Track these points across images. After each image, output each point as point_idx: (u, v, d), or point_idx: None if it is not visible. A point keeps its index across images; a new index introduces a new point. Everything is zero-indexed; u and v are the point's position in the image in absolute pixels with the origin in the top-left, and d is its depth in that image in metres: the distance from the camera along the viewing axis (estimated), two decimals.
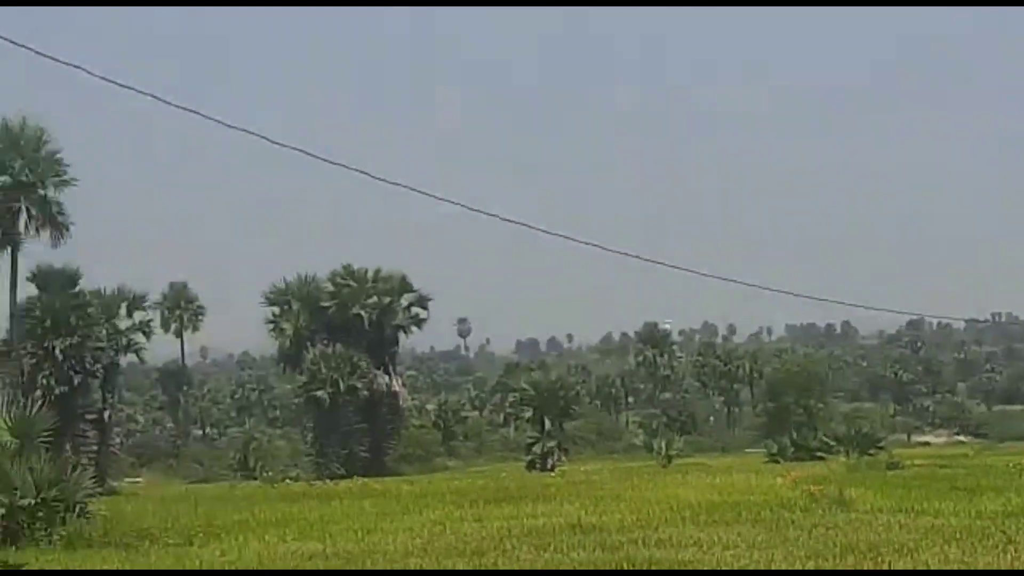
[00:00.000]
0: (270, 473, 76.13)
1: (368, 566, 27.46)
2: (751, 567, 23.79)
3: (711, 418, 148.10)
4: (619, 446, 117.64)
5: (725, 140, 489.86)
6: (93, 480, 42.18)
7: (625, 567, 25.96)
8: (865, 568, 21.47)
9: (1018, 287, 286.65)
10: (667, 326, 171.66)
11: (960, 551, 23.53)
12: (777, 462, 68.40)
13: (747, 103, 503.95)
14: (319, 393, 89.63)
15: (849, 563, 22.81)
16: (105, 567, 28.52)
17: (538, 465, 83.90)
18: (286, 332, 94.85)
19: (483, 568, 26.61)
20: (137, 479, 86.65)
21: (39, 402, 48.92)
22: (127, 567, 28.89)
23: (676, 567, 24.71)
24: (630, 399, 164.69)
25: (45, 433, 40.37)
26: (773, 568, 23.53)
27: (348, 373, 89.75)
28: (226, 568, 28.01)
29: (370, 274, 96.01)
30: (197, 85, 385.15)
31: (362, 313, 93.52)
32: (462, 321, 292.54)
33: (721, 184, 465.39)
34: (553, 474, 73.59)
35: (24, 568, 17.51)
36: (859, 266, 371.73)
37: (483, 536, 33.70)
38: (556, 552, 29.39)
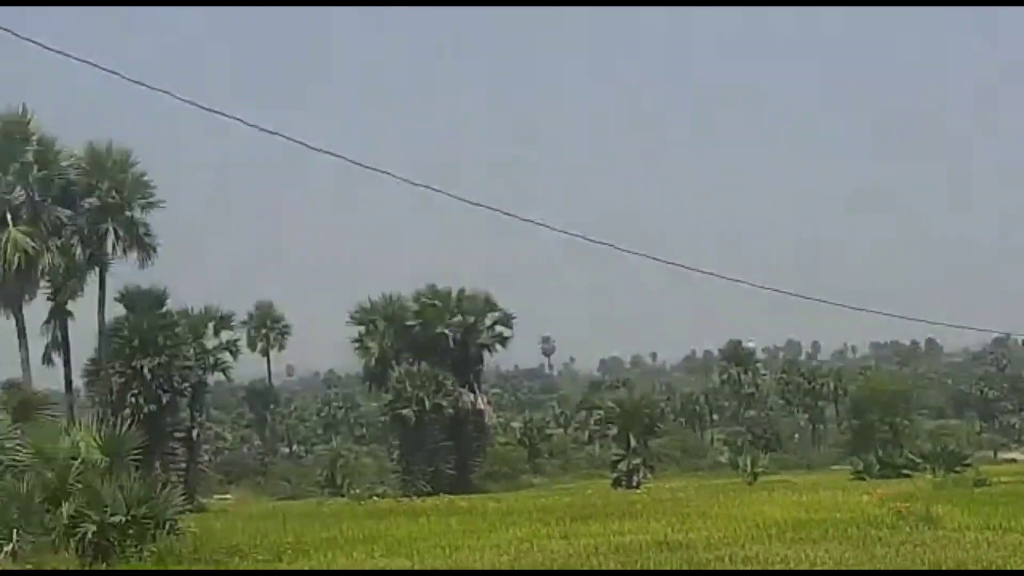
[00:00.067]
0: (357, 490, 76.41)
1: None
2: None
3: (795, 436, 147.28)
4: (704, 463, 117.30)
5: (800, 153, 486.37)
6: (182, 497, 42.61)
7: None
8: None
9: None
10: (751, 344, 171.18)
11: None
12: (863, 479, 68.03)
13: (823, 122, 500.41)
14: (405, 411, 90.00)
15: None
16: None
17: (624, 482, 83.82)
18: (371, 351, 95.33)
19: None
20: (226, 496, 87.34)
21: (128, 420, 49.48)
22: None
23: None
24: (714, 417, 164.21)
25: (134, 451, 40.83)
26: None
27: (433, 391, 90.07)
28: None
29: (454, 293, 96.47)
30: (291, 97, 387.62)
31: (447, 332, 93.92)
32: (546, 340, 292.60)
33: (800, 199, 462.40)
34: (639, 491, 73.51)
35: None
36: (944, 283, 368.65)
37: (570, 553, 33.79)
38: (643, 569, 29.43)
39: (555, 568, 30.04)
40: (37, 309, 69.24)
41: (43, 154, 67.00)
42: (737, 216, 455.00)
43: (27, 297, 67.65)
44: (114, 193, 68.60)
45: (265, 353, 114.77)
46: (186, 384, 75.40)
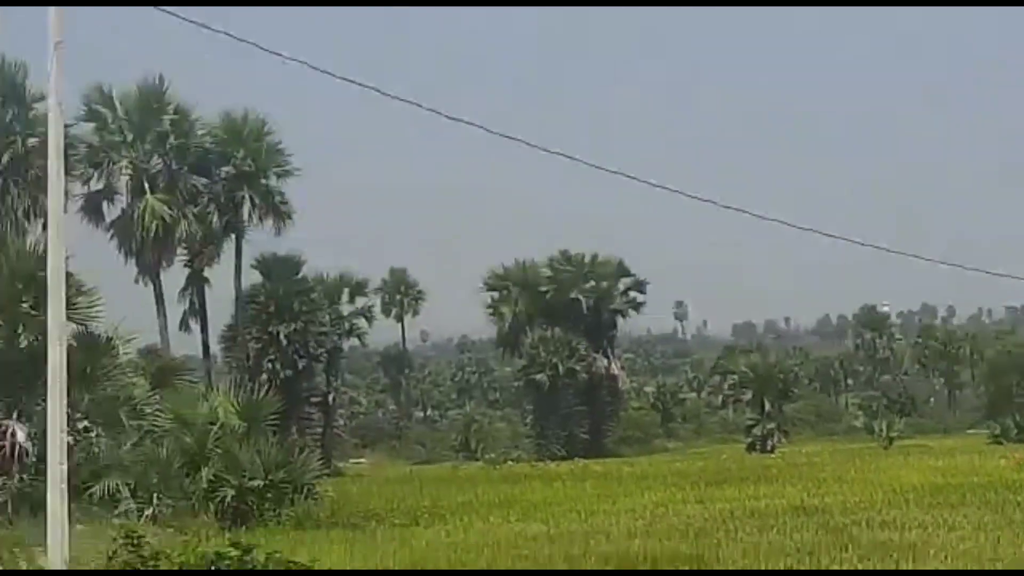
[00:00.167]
0: (492, 455, 76.75)
1: (591, 547, 27.66)
2: (976, 549, 23.45)
3: (931, 400, 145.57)
4: (839, 428, 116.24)
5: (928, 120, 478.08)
6: (319, 462, 43.07)
7: (849, 549, 25.78)
8: None
9: None
10: (885, 308, 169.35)
11: None
12: (1000, 443, 67.18)
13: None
14: (538, 376, 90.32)
15: None
16: (332, 546, 29.10)
17: (758, 447, 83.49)
18: (505, 317, 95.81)
19: (705, 548, 26.61)
20: (361, 460, 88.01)
21: (265, 386, 50.20)
22: (355, 547, 29.46)
23: (901, 549, 24.47)
24: (849, 381, 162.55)
25: (272, 416, 41.31)
26: (999, 550, 23.18)
27: (567, 356, 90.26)
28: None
29: (587, 259, 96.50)
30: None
31: (580, 298, 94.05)
32: (679, 305, 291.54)
33: (936, 161, 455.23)
34: (773, 456, 73.16)
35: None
36: None
37: (706, 518, 33.69)
38: (779, 533, 29.28)
39: (692, 528, 29.98)
40: (174, 276, 70.20)
41: (179, 123, 67.79)
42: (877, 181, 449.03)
43: (165, 264, 68.57)
44: (249, 161, 69.30)
45: (399, 319, 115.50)
46: (322, 350, 76.06)
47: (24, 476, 37.35)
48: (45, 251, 27.10)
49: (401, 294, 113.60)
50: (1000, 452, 53.93)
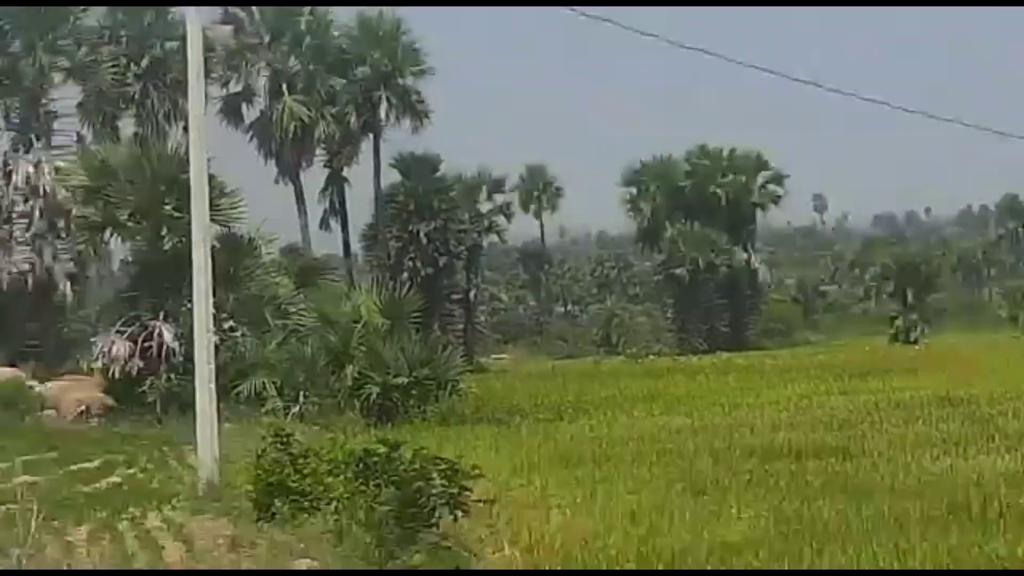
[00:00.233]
0: (633, 349, 76.75)
1: (735, 439, 27.59)
2: None
3: None
4: (982, 319, 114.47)
5: None
6: (462, 358, 43.34)
7: (995, 439, 25.45)
8: None
9: None
10: None
11: None
12: None
13: None
14: (678, 271, 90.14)
15: None
16: (478, 442, 29.28)
17: (901, 338, 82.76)
18: (643, 212, 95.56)
19: (850, 440, 26.43)
20: (502, 356, 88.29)
21: (406, 284, 50.46)
22: (499, 441, 29.61)
23: None
24: (992, 272, 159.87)
25: (414, 314, 41.63)
26: None
27: (707, 250, 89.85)
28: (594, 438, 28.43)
29: (725, 153, 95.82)
30: None
31: (719, 191, 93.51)
32: (818, 197, 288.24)
33: None
34: (917, 347, 72.45)
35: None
36: None
37: (850, 409, 33.48)
38: (924, 424, 29.02)
39: (836, 420, 29.75)
40: (314, 176, 70.56)
41: (315, 24, 67.86)
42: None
43: (304, 165, 68.99)
44: (386, 61, 69.27)
45: (538, 215, 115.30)
46: (462, 247, 76.19)
47: (172, 376, 37.99)
48: (186, 154, 27.32)
49: (539, 190, 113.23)
50: None
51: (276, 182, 67.91)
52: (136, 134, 57.86)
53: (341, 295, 43.31)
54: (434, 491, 17.25)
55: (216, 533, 17.45)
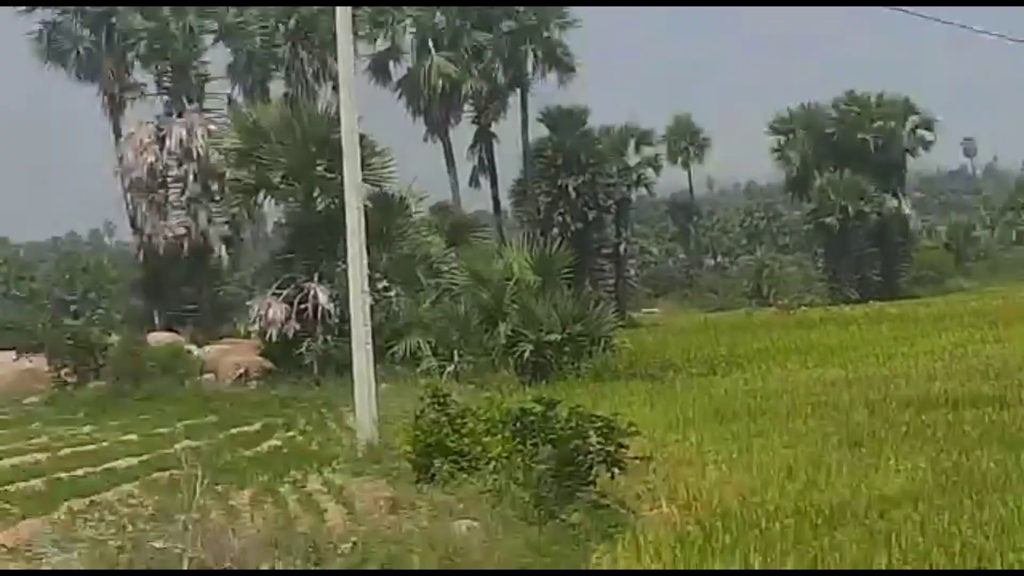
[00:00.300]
0: (784, 300, 76.11)
1: (890, 390, 27.31)
2: None
3: None
4: None
5: None
6: (614, 313, 43.24)
7: None
8: None
9: None
10: None
11: None
12: None
13: None
14: (828, 219, 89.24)
15: None
16: (632, 397, 29.30)
17: None
18: (792, 160, 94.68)
19: (1007, 389, 26.00)
20: (653, 310, 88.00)
21: (556, 240, 50.38)
22: (654, 397, 29.59)
23: None
24: None
25: (565, 270, 41.59)
26: None
27: (856, 198, 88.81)
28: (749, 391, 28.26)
29: (873, 99, 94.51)
30: None
31: (867, 138, 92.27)
32: (968, 140, 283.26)
33: None
34: None
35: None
36: None
37: (1006, 357, 32.91)
38: None
39: (992, 369, 29.26)
40: (462, 133, 70.59)
41: None
42: None
43: (452, 122, 69.05)
44: (532, 15, 69.04)
45: (686, 166, 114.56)
46: (610, 201, 75.95)
47: (328, 338, 38.44)
48: (336, 114, 27.51)
49: (686, 141, 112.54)
50: None
51: (425, 140, 68.14)
52: (286, 95, 58.44)
53: (492, 252, 43.40)
54: (591, 449, 17.30)
55: (376, 495, 17.59)
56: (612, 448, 17.31)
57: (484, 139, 70.96)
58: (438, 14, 67.07)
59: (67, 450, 25.16)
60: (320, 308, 38.98)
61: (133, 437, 27.25)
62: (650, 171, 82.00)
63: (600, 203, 74.61)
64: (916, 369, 31.91)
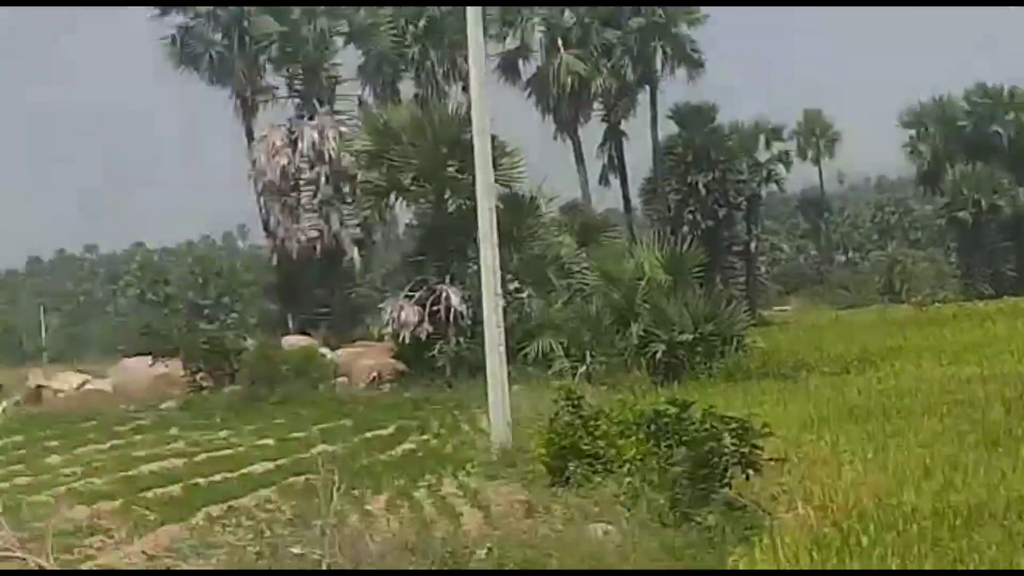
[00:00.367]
0: (917, 296, 75.20)
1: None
2: None
3: None
4: None
5: None
6: (745, 312, 42.98)
7: None
8: None
9: None
10: None
11: None
12: None
13: None
14: (961, 213, 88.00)
15: None
16: (765, 397, 29.13)
17: None
18: (923, 154, 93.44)
19: None
20: (784, 307, 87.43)
21: (687, 237, 50.18)
22: (786, 396, 29.39)
23: None
24: None
25: (696, 268, 41.41)
26: None
27: (990, 192, 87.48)
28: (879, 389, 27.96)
29: (1006, 91, 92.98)
30: None
31: (1000, 131, 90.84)
32: None
33: None
34: None
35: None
36: None
37: None
38: None
39: None
40: (592, 131, 70.52)
41: None
42: None
43: (582, 120, 69.02)
44: (660, 11, 68.85)
45: (816, 161, 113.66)
46: (741, 198, 75.66)
47: (460, 340, 38.62)
48: (467, 114, 27.64)
49: (816, 136, 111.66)
50: None
51: (554, 138, 68.15)
52: (416, 95, 58.77)
53: (623, 252, 43.32)
54: (725, 451, 17.22)
55: (511, 498, 17.69)
56: (746, 449, 17.22)
57: (614, 137, 70.87)
58: (567, 12, 67.04)
59: (203, 455, 25.51)
60: (452, 310, 39.18)
61: (269, 441, 27.58)
62: (780, 167, 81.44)
63: (730, 200, 74.33)
64: None
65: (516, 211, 39.87)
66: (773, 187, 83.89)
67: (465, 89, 55.43)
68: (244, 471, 22.75)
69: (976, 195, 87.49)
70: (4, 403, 43.19)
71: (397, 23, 59.51)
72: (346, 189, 52.36)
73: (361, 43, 59.09)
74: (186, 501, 19.30)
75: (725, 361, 36.60)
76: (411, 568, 13.67)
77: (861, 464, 19.53)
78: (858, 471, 18.98)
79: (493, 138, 27.45)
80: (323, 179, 53.05)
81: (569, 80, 65.37)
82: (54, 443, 29.11)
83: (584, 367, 36.32)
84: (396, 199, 43.91)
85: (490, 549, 14.36)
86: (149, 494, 20.03)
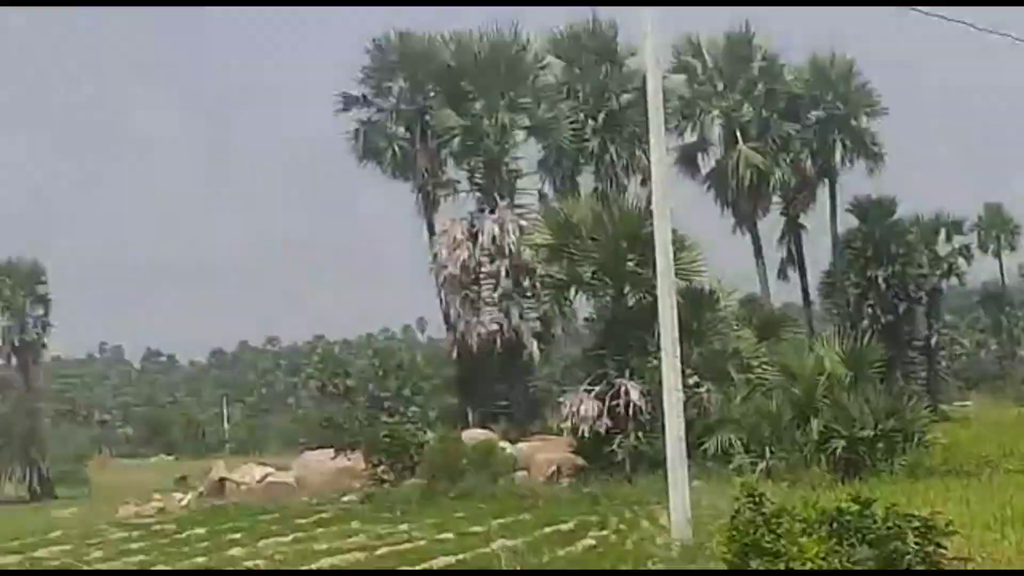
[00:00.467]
0: None
1: None
2: None
3: None
4: None
5: None
6: (926, 408, 42.46)
7: None
8: None
9: None
10: None
11: None
12: None
13: None
14: None
15: None
16: (947, 495, 28.70)
17: None
18: None
19: None
20: (965, 403, 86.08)
21: (867, 331, 49.75)
22: (968, 494, 28.93)
23: None
24: None
25: (876, 363, 41.07)
26: None
27: None
28: None
29: None
30: None
31: None
32: None
33: None
34: None
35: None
36: None
37: None
38: None
39: None
40: (770, 224, 70.39)
41: (768, 70, 67.68)
42: None
43: (760, 213, 68.86)
44: (839, 104, 68.79)
45: (997, 255, 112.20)
46: (921, 292, 74.88)
47: (639, 434, 38.62)
48: (647, 207, 27.82)
49: (997, 229, 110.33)
50: None
51: (733, 232, 68.10)
52: (596, 189, 59.07)
53: (803, 346, 43.15)
54: (909, 550, 17.06)
55: None
56: (931, 548, 17.06)
57: (792, 230, 70.63)
58: (745, 105, 67.17)
59: (385, 548, 25.79)
60: (632, 404, 39.25)
61: (449, 536, 27.78)
62: (961, 260, 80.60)
63: (910, 294, 73.57)
64: None
65: (695, 305, 39.93)
66: (954, 281, 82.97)
67: (644, 182, 55.77)
68: (425, 566, 22.96)
69: None
70: (188, 495, 44.14)
71: (577, 117, 60.07)
72: (526, 283, 52.72)
73: (541, 137, 59.64)
74: None
75: (906, 458, 36.20)
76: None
77: None
78: None
79: (673, 231, 27.60)
80: (503, 272, 53.51)
81: (748, 173, 65.37)
82: (237, 535, 29.66)
83: (764, 463, 36.17)
84: (576, 292, 44.22)
85: None
86: None
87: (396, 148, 59.33)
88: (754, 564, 18.43)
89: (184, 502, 42.38)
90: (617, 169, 60.75)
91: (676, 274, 29.35)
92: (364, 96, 60.47)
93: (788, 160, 67.54)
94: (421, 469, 39.96)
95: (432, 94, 59.68)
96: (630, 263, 40.25)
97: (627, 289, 40.67)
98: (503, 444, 43.00)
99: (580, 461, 40.56)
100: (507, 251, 53.07)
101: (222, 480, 44.53)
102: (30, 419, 72.98)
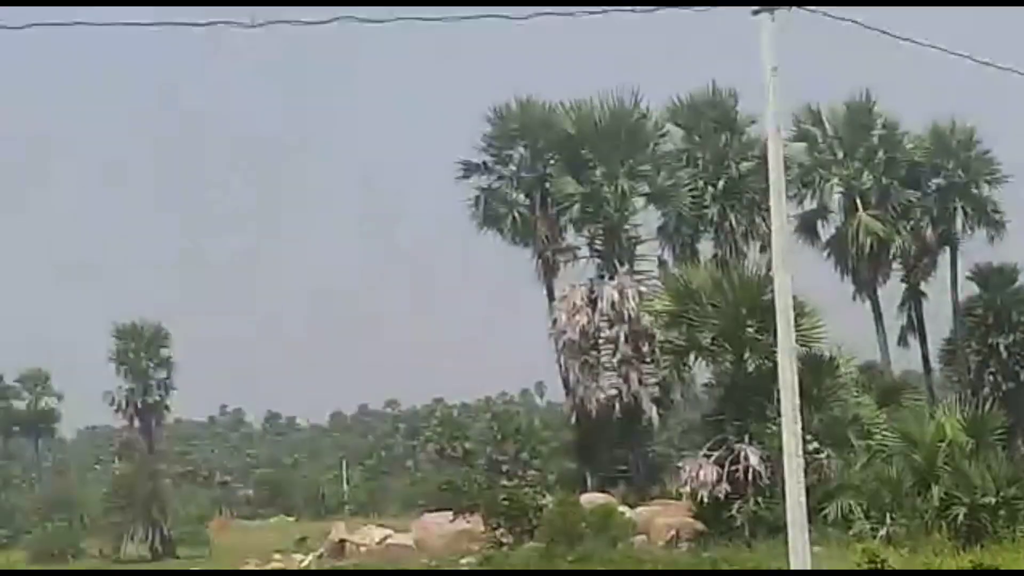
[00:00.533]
0: None
1: None
2: None
3: None
4: None
5: None
6: None
7: None
8: None
9: None
10: None
11: None
12: None
13: None
14: None
15: None
16: None
17: None
18: None
19: None
20: None
21: (988, 400, 49.39)
22: None
23: None
24: None
25: (997, 431, 40.80)
26: None
27: None
28: None
29: None
30: None
31: None
32: None
33: None
34: None
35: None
36: None
37: None
38: None
39: None
40: (891, 292, 70.04)
41: (888, 137, 67.45)
42: None
43: (880, 280, 68.53)
44: (960, 172, 68.45)
45: None
46: None
47: (759, 500, 38.62)
48: (766, 274, 28.00)
49: None
50: None
51: (853, 299, 67.84)
52: (715, 256, 59.27)
53: (923, 413, 42.95)
54: None
55: None
56: None
57: (913, 298, 70.20)
58: (865, 173, 67.02)
59: None
60: (751, 469, 39.31)
61: None
62: None
63: None
64: None
65: (815, 371, 39.96)
66: None
67: (763, 249, 55.91)
68: None
69: None
70: (308, 556, 44.70)
71: (696, 184, 60.36)
72: (645, 348, 52.90)
73: (661, 204, 59.97)
74: None
75: None
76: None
77: None
78: None
79: (793, 297, 27.74)
80: (623, 338, 53.74)
81: (868, 241, 65.14)
82: None
83: (884, 529, 36.08)
84: (695, 358, 44.37)
85: None
86: None
87: (516, 215, 59.88)
88: None
89: (305, 563, 42.91)
90: (736, 236, 60.89)
91: (796, 340, 29.45)
92: (485, 163, 61.23)
93: (908, 228, 67.21)
94: (540, 533, 40.20)
95: (552, 161, 60.30)
96: (749, 329, 40.40)
97: (747, 355, 40.80)
98: (622, 508, 43.18)
99: (699, 526, 40.64)
100: (626, 317, 53.33)
101: (342, 541, 45.07)
102: (152, 480, 73.96)
